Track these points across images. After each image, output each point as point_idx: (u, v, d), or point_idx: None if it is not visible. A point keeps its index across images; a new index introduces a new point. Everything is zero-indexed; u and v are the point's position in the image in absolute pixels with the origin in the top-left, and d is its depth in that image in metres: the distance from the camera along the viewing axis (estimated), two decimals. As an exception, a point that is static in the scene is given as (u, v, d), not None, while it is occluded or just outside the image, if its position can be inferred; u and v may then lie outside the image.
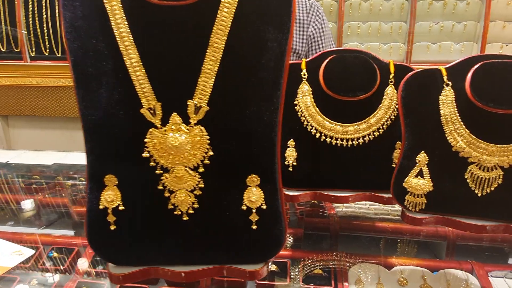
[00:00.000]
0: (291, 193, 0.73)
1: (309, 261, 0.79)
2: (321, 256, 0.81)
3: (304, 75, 0.69)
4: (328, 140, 0.69)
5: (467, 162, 0.59)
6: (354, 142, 0.68)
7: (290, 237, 0.91)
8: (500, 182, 0.59)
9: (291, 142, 0.71)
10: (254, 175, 0.48)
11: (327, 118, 0.68)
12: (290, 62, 0.70)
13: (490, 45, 1.64)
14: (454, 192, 0.61)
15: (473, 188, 0.60)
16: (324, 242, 0.97)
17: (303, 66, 0.69)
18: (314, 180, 0.72)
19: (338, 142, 0.69)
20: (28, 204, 1.05)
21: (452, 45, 1.65)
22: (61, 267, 0.78)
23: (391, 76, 0.68)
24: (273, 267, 0.75)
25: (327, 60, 0.67)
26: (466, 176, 0.60)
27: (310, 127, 0.69)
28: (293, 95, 0.69)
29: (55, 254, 0.84)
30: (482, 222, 0.62)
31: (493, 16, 1.61)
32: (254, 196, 0.48)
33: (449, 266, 0.81)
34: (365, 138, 0.68)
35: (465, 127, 0.58)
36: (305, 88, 0.69)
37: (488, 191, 0.60)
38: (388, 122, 0.68)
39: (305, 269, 0.77)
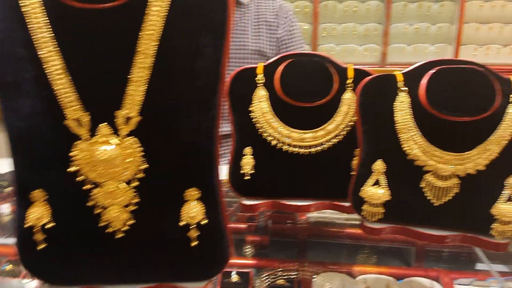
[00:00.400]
0: (249, 203, 0.70)
1: (274, 271, 0.77)
2: (286, 265, 0.78)
3: (260, 80, 0.66)
4: (285, 147, 0.66)
5: (422, 171, 0.58)
6: (311, 149, 0.66)
7: (255, 245, 0.88)
8: (457, 191, 0.57)
9: (248, 150, 0.68)
10: (193, 189, 0.45)
11: (283, 125, 0.66)
12: (247, 66, 0.68)
13: (464, 47, 1.65)
14: (412, 202, 0.59)
15: (429, 198, 0.58)
16: (292, 249, 0.94)
17: (259, 70, 0.66)
18: (272, 189, 0.69)
19: (295, 149, 0.66)
20: (4, 209, 1.01)
21: (427, 46, 1.65)
22: (17, 279, 0.75)
23: (349, 81, 0.65)
24: (235, 278, 0.72)
25: (283, 64, 0.65)
26: (422, 185, 0.58)
27: (267, 134, 0.66)
28: (249, 101, 0.67)
29: (10, 266, 0.80)
30: (441, 232, 0.60)
31: (467, 18, 1.61)
32: (193, 211, 0.46)
33: (416, 274, 0.80)
34: (323, 145, 0.66)
35: (421, 135, 0.56)
36: (261, 93, 0.66)
37: (445, 200, 0.58)
38: (346, 128, 0.66)
39: (268, 279, 0.74)
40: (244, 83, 0.67)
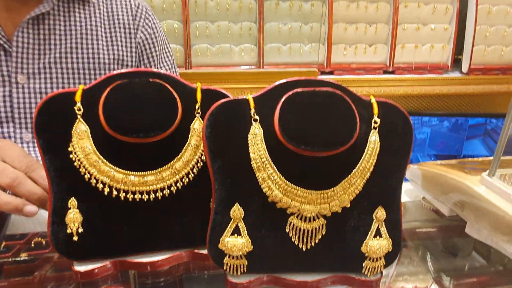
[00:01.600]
0: (82, 269, 0.53)
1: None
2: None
3: (79, 109, 0.49)
4: (122, 195, 0.51)
5: (286, 213, 0.49)
6: (158, 194, 0.52)
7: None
8: (324, 232, 0.50)
9: (72, 202, 0.51)
10: None
11: (116, 168, 0.50)
12: (62, 91, 0.51)
13: (335, 46, 1.68)
14: (277, 249, 0.50)
15: (296, 242, 0.50)
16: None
17: (78, 96, 0.50)
18: (111, 247, 0.54)
19: (136, 196, 0.52)
20: None
21: (301, 46, 1.64)
22: None
23: (197, 106, 0.53)
24: None
25: (108, 88, 0.49)
26: (287, 230, 0.49)
27: (95, 180, 0.50)
28: (67, 138, 0.50)
29: None
30: (313, 277, 0.52)
31: (335, 18, 1.65)
32: None
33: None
34: (171, 188, 0.53)
35: (279, 173, 0.47)
36: (81, 128, 0.49)
37: (313, 243, 0.50)
38: (199, 164, 0.53)
39: None
40: (58, 114, 0.50)
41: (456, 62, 1.83)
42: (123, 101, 0.49)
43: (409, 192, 0.82)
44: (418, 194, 0.80)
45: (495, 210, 0.56)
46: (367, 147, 0.48)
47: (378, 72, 1.75)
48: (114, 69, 0.92)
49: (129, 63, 0.95)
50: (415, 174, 0.76)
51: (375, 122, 0.48)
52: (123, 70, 0.51)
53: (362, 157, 0.47)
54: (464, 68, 1.79)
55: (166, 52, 1.05)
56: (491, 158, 0.62)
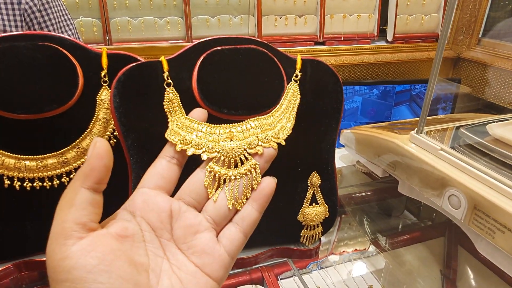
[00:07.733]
0: (-23, 276, 0.45)
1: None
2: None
3: None
4: (17, 184, 0.43)
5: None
6: (63, 179, 0.45)
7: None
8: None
9: (-48, 199, 0.42)
10: None
11: (5, 152, 0.42)
12: None
13: (266, 17, 1.63)
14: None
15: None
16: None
17: None
18: (14, 248, 0.45)
19: (36, 184, 0.44)
20: None
21: (230, 18, 1.57)
22: None
23: (103, 74, 0.46)
24: None
25: (-15, 55, 0.40)
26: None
27: (-21, 169, 0.41)
28: None
29: None
30: (249, 253, 0.49)
31: (264, -12, 1.59)
32: None
33: (241, 281, 0.72)
34: (80, 171, 0.45)
35: (204, 143, 0.42)
36: (-48, 106, 0.40)
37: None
38: (112, 141, 0.46)
39: None
40: None
41: (382, 32, 1.88)
42: (6, 71, 0.40)
43: (343, 158, 0.82)
44: (353, 159, 0.80)
45: (424, 166, 0.56)
46: (284, 95, 0.43)
47: (309, 44, 1.74)
48: None
49: None
50: (348, 138, 0.75)
51: (296, 76, 0.44)
52: (3, 34, 0.42)
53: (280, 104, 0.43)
54: (389, 36, 1.85)
55: (65, 21, 0.92)
56: (418, 118, 0.63)
